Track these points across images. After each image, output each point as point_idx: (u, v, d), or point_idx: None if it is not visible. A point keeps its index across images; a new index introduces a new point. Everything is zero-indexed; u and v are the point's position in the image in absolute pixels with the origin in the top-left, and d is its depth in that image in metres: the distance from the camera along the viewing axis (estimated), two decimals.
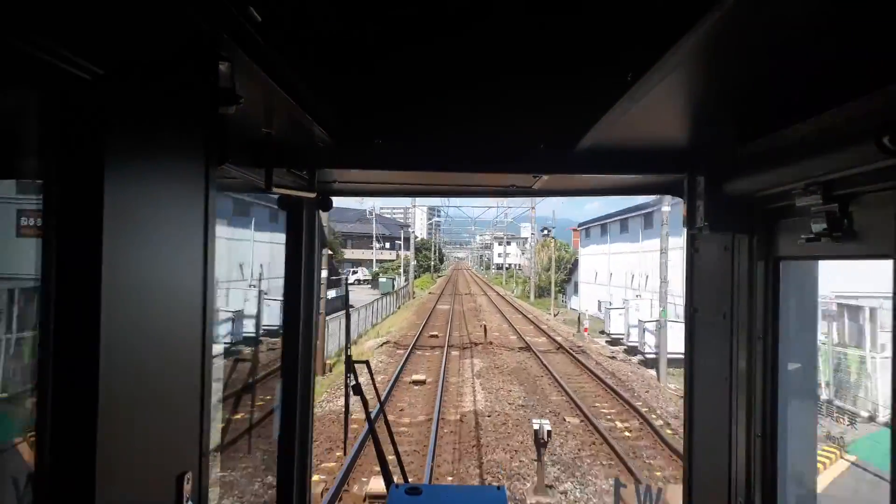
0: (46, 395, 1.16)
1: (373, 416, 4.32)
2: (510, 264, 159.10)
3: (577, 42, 1.91)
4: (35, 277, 1.20)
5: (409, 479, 4.26)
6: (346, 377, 3.83)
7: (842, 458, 12.30)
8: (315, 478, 10.26)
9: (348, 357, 3.83)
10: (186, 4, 1.48)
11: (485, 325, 33.06)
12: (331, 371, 21.30)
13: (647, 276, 39.16)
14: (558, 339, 30.98)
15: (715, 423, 2.81)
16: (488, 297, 69.91)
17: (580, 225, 66.61)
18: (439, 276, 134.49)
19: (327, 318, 22.08)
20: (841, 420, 15.58)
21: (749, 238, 2.57)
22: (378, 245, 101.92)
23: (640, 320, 28.24)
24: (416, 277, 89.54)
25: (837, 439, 13.45)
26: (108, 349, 1.19)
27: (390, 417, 12.63)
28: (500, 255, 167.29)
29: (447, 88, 2.40)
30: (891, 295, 1.70)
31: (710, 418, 2.93)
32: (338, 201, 3.69)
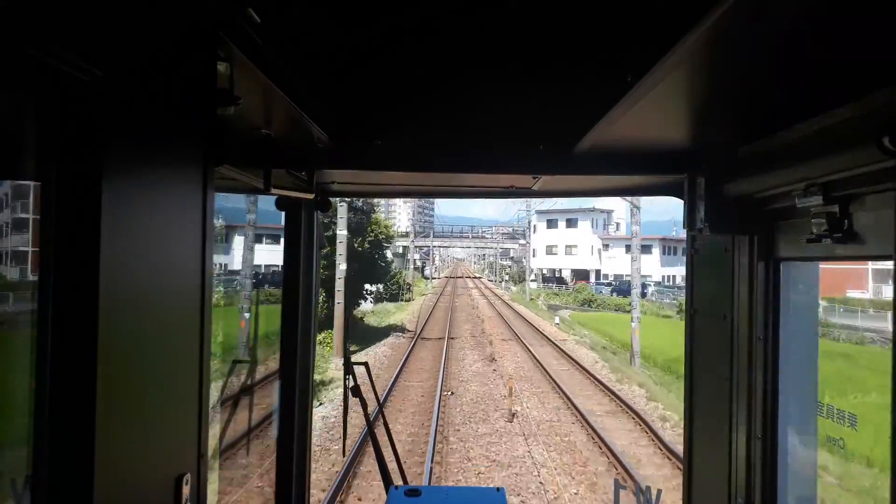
0: (44, 397, 1.16)
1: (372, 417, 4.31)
2: (569, 272, 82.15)
3: (577, 42, 1.91)
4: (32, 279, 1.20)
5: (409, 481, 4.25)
6: (345, 379, 3.83)
7: None
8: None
9: (347, 358, 3.82)
10: (185, 5, 1.48)
11: None
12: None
13: None
14: None
15: (715, 424, 2.80)
16: None
17: None
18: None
19: None
20: None
21: (749, 239, 2.57)
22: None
23: None
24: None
25: None
26: (105, 350, 1.19)
27: None
28: (550, 248, 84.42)
29: (446, 89, 2.39)
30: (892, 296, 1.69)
31: (710, 419, 2.92)
32: None
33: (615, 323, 41.36)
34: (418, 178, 3.44)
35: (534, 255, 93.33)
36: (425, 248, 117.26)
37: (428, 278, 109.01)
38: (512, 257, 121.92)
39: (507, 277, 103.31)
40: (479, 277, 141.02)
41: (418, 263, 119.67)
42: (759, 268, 2.54)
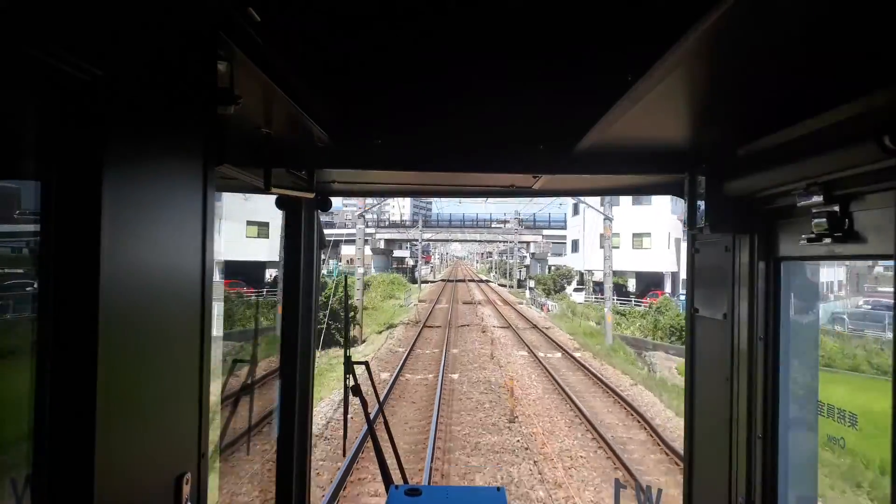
0: (44, 397, 1.16)
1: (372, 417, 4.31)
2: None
3: (577, 42, 1.91)
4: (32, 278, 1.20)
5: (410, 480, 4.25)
6: (346, 378, 3.82)
7: None
8: None
9: (347, 358, 3.82)
10: (185, 5, 1.48)
11: None
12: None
13: None
14: None
15: (715, 424, 2.80)
16: None
17: None
18: None
19: None
20: None
21: (750, 238, 2.57)
22: None
23: None
24: None
25: None
26: (105, 349, 1.19)
27: None
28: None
29: (446, 89, 2.39)
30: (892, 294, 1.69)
31: (710, 419, 2.92)
32: None
33: None
34: (418, 177, 3.44)
35: (573, 250, 61.71)
36: (422, 244, 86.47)
37: (416, 282, 76.01)
38: (533, 254, 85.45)
39: (529, 283, 64.72)
40: (487, 281, 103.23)
41: (410, 262, 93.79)
42: (759, 267, 2.54)
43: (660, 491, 3.67)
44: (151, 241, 1.40)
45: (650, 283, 48.91)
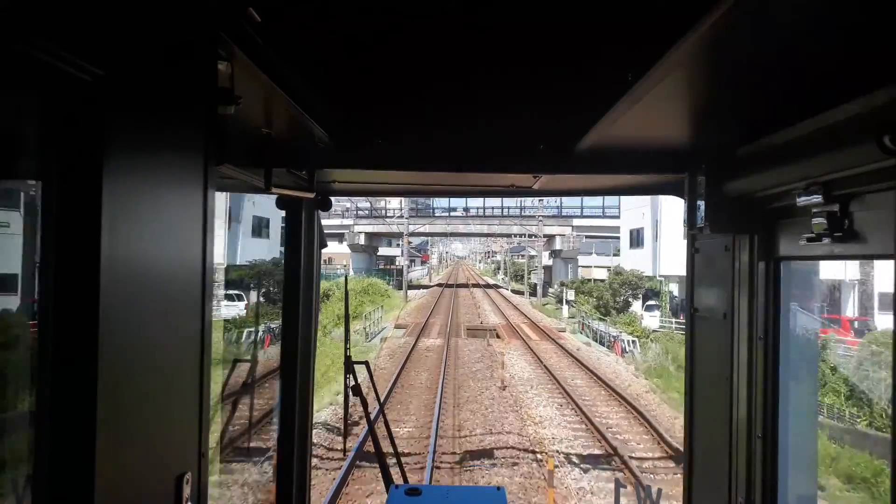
0: (45, 397, 1.16)
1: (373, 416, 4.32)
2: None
3: (577, 42, 1.91)
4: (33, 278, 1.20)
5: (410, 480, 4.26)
6: (346, 378, 3.83)
7: None
8: None
9: (347, 357, 3.82)
10: (186, 5, 1.48)
11: None
12: None
13: None
14: None
15: (715, 424, 2.81)
16: None
17: None
18: None
19: None
20: None
21: (749, 238, 2.57)
22: None
23: None
24: None
25: None
26: (106, 349, 1.19)
27: None
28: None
29: (447, 88, 2.40)
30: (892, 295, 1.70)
31: (710, 418, 2.93)
32: None
33: None
34: (418, 177, 3.44)
35: (633, 244, 45.60)
36: (420, 242, 70.09)
37: (402, 288, 58.24)
38: (558, 251, 64.62)
39: (567, 293, 43.43)
40: (498, 286, 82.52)
41: (403, 262, 65.79)
42: (759, 267, 2.54)
43: (660, 490, 3.68)
44: (152, 241, 1.40)
45: None
